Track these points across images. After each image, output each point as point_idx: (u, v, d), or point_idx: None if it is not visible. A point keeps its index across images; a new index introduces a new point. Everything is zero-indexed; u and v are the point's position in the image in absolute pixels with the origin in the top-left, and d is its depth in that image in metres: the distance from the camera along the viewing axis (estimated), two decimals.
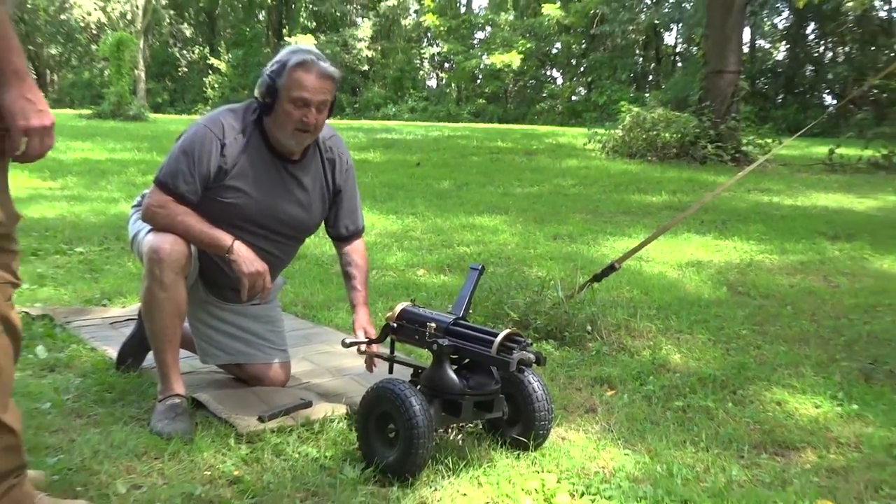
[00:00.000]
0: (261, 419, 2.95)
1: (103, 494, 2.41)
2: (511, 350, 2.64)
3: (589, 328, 4.23)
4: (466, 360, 2.79)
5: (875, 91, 23.19)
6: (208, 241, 2.96)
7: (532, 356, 2.63)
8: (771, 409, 3.39)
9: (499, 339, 2.66)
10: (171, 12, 43.85)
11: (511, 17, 38.70)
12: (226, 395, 3.20)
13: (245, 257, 2.94)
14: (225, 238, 2.94)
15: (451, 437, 2.93)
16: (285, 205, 3.13)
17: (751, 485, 2.70)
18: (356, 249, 3.36)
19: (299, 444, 2.82)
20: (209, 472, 2.60)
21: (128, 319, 4.17)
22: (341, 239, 3.36)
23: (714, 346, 4.24)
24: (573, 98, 37.63)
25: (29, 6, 41.71)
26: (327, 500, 2.46)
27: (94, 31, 42.71)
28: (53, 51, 45.61)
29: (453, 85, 41.17)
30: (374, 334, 3.09)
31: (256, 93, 3.03)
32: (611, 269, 4.56)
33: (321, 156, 3.22)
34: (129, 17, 38.98)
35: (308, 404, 3.10)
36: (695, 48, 33.86)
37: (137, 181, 10.05)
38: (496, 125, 28.73)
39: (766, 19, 34.15)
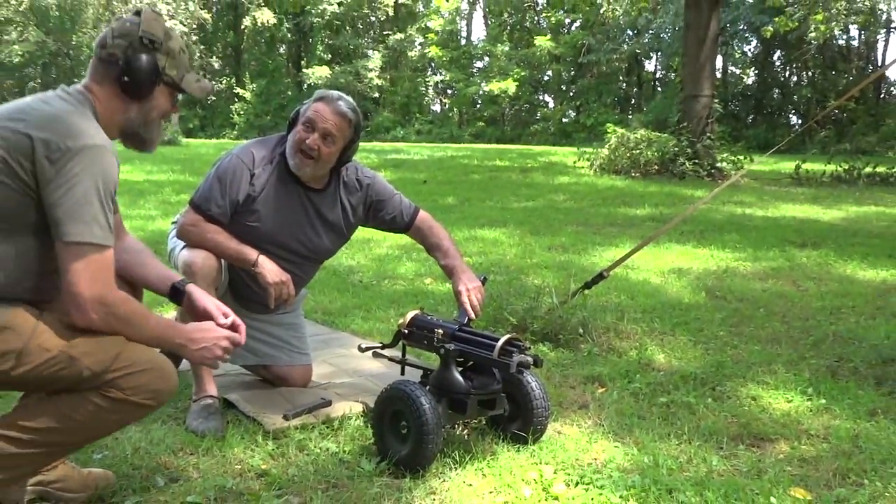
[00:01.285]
0: (285, 417, 2.94)
1: (144, 487, 2.41)
2: (511, 353, 2.64)
3: (581, 331, 4.22)
4: (471, 363, 2.79)
5: (836, 112, 23.20)
6: (235, 256, 2.97)
7: (530, 359, 2.63)
8: (747, 404, 3.37)
9: (500, 343, 2.65)
10: (202, 47, 43.90)
11: (507, 48, 38.70)
12: (254, 396, 3.20)
13: (269, 269, 2.96)
14: (251, 253, 2.96)
15: (458, 433, 2.93)
16: (302, 230, 3.13)
17: (729, 474, 2.69)
18: (429, 228, 3.31)
19: (320, 440, 2.82)
20: (239, 466, 2.60)
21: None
22: (407, 228, 3.33)
23: (694, 347, 4.23)
24: (564, 120, 37.62)
25: (73, 42, 41.82)
26: (346, 490, 2.45)
27: None
28: None
29: (455, 109, 41.18)
30: (476, 302, 3.05)
31: (289, 120, 3.07)
32: (600, 277, 4.54)
33: (341, 186, 3.21)
34: None
35: (328, 403, 3.09)
36: (673, 74, 33.84)
37: (172, 200, 10.05)
38: (494, 145, 28.73)
39: (736, 48, 34.17)
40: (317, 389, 3.33)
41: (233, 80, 42.92)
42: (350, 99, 3.07)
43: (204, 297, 2.35)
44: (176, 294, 2.37)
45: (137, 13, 2.18)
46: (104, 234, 1.93)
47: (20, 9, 39.48)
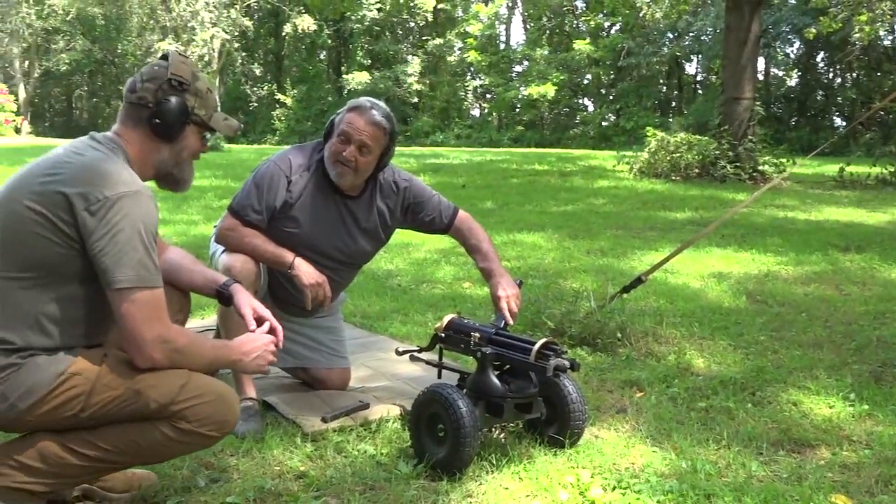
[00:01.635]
0: (324, 420, 2.97)
1: (185, 487, 2.45)
2: (548, 357, 2.64)
3: (619, 335, 4.20)
4: (507, 367, 2.79)
5: (882, 113, 22.79)
6: (272, 259, 3.01)
7: (567, 362, 2.63)
8: (787, 410, 3.33)
9: (536, 347, 2.65)
10: (243, 54, 44.36)
11: (546, 52, 38.51)
12: (293, 398, 3.23)
13: (305, 272, 2.99)
14: (287, 255, 3.00)
15: (495, 436, 2.93)
16: (339, 236, 3.16)
17: (769, 479, 2.66)
18: (469, 229, 3.32)
19: (358, 443, 2.84)
20: (278, 468, 2.63)
21: (206, 329, 4.20)
22: (447, 229, 3.34)
23: (734, 351, 4.19)
24: (603, 124, 37.34)
25: (118, 51, 42.50)
26: (383, 493, 2.47)
27: None
28: None
29: (494, 114, 41.07)
30: (514, 307, 3.06)
31: (325, 131, 3.09)
32: (638, 281, 4.52)
33: (378, 191, 3.23)
34: (206, 58, 39.52)
35: (366, 406, 3.11)
36: (714, 77, 33.46)
37: (214, 205, 10.17)
38: (534, 149, 28.62)
39: (778, 50, 33.69)
40: (355, 392, 3.35)
41: (274, 87, 43.30)
42: (384, 106, 3.08)
43: (242, 303, 2.39)
44: (222, 297, 2.43)
45: (164, 57, 2.24)
46: (151, 276, 1.99)
47: (67, 18, 40.19)
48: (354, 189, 3.15)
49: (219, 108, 2.32)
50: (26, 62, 41.74)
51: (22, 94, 37.93)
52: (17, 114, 27.75)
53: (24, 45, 40.49)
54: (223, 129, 2.30)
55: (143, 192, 2.03)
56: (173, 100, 2.17)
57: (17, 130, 27.29)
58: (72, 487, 2.25)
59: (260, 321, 2.35)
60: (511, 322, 3.06)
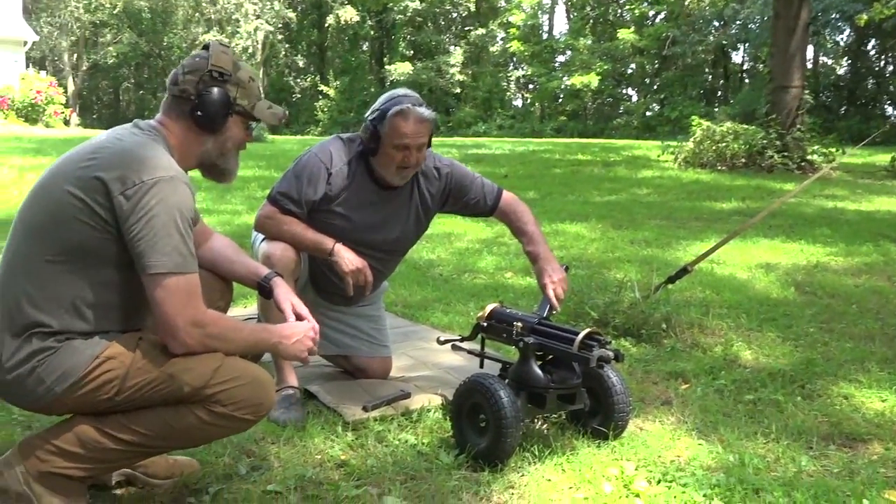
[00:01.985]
0: (365, 408, 2.96)
1: (227, 475, 2.45)
2: (591, 348, 2.59)
3: (664, 326, 4.13)
4: (550, 356, 2.75)
5: None
6: (312, 246, 3.00)
7: (611, 353, 2.58)
8: (838, 403, 3.25)
9: (580, 337, 2.61)
10: (287, 46, 44.67)
11: (589, 42, 38.16)
12: (334, 387, 3.22)
13: (345, 257, 2.97)
14: (327, 242, 2.98)
15: (537, 427, 2.90)
16: (384, 228, 3.15)
17: (819, 474, 2.60)
18: (515, 211, 3.29)
19: (399, 432, 2.82)
20: (319, 456, 2.62)
21: (248, 318, 4.21)
22: (491, 210, 3.31)
23: (783, 343, 4.10)
24: (647, 113, 36.98)
25: (164, 43, 43.01)
26: (424, 483, 2.45)
27: None
28: None
29: (537, 104, 40.87)
30: (560, 292, 3.05)
31: (362, 137, 3.05)
32: (684, 271, 4.44)
33: (420, 180, 3.21)
34: (250, 50, 39.83)
35: (407, 395, 3.10)
36: (761, 65, 32.89)
37: (257, 195, 10.21)
38: (577, 139, 28.37)
39: (828, 37, 33.02)
40: (396, 381, 3.33)
41: (317, 78, 43.52)
42: (416, 95, 3.05)
43: (282, 296, 2.38)
44: (263, 290, 2.42)
45: (206, 47, 2.23)
46: (186, 262, 1.98)
47: (114, 12, 40.79)
48: (401, 184, 3.14)
49: (262, 97, 2.30)
50: (75, 55, 42.42)
51: (70, 87, 38.53)
52: (66, 106, 28.14)
53: (72, 38, 41.14)
54: (268, 118, 2.28)
55: (179, 177, 2.02)
56: (215, 91, 2.16)
57: (66, 122, 27.69)
58: (111, 472, 2.26)
59: (298, 318, 2.33)
60: (557, 308, 3.03)
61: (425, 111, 2.98)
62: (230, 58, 2.21)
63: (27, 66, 27.81)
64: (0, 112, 24.58)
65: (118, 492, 2.34)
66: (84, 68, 43.09)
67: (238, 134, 2.26)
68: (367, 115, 3.05)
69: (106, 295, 2.03)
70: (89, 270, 2.00)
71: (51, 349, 1.97)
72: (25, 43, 27.17)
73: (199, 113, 2.16)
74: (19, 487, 2.04)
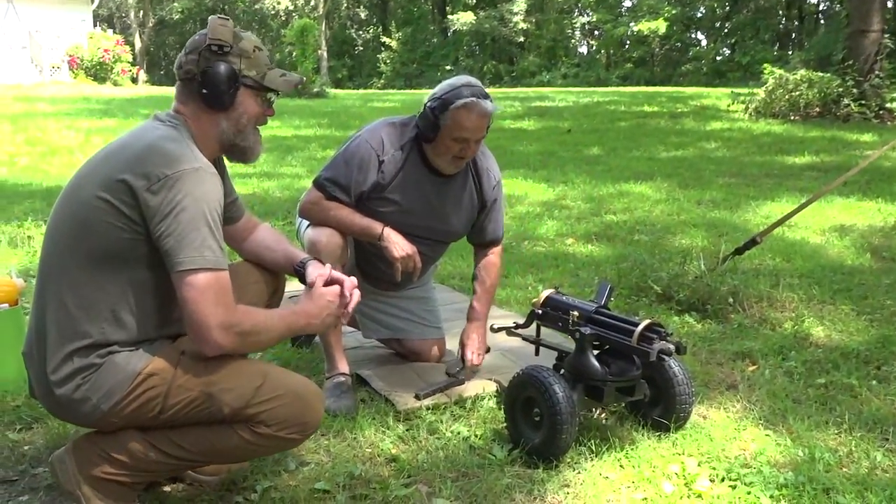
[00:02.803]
0: (417, 397, 2.90)
1: (275, 471, 2.41)
2: (651, 340, 2.47)
3: (731, 300, 3.97)
4: (608, 346, 2.64)
5: None
6: (360, 231, 2.93)
7: (672, 346, 2.45)
8: None
9: (639, 329, 2.49)
10: None
11: None
12: (387, 372, 3.17)
13: (395, 242, 2.89)
14: (376, 226, 2.91)
15: (595, 417, 2.80)
16: (436, 217, 3.05)
17: (895, 471, 2.45)
18: (489, 264, 3.21)
19: (452, 423, 2.75)
20: (370, 450, 2.56)
21: (296, 294, 4.13)
22: (481, 245, 3.24)
23: (857, 318, 3.91)
24: (717, 59, 35.95)
25: None
26: (476, 481, 2.38)
27: (283, 17, 43.80)
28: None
29: (602, 52, 40.10)
30: (476, 358, 3.06)
31: (419, 123, 2.92)
32: (752, 243, 4.26)
33: (473, 172, 3.10)
34: (312, 3, 39.73)
35: (461, 382, 3.02)
36: (838, 6, 31.58)
37: (318, 156, 10.16)
38: (643, 88, 27.73)
39: None
40: (450, 365, 3.25)
41: (379, 29, 43.29)
42: (479, 84, 2.91)
43: (311, 273, 2.31)
44: (300, 276, 2.37)
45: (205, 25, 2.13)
46: (216, 258, 1.91)
47: None
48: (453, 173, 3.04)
49: (273, 65, 2.19)
50: (141, 12, 42.88)
51: (137, 44, 39.03)
52: (133, 64, 28.54)
53: None
54: (281, 87, 2.17)
55: (204, 168, 1.95)
56: (217, 66, 2.06)
57: (134, 80, 28.10)
58: (159, 479, 2.25)
59: (332, 283, 2.25)
60: (470, 364, 3.06)
61: (489, 104, 2.86)
62: (229, 30, 2.10)
63: (94, 25, 28.18)
64: (70, 72, 25.06)
65: (166, 488, 2.32)
66: (150, 25, 43.56)
67: (252, 108, 2.15)
68: (426, 101, 2.92)
69: (142, 298, 1.99)
70: (123, 274, 1.95)
71: (94, 367, 1.94)
72: (93, 1, 27.51)
73: (204, 91, 2.07)
74: (70, 487, 2.06)
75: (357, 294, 2.29)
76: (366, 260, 3.09)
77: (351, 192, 2.90)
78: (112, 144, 2.07)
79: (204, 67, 2.06)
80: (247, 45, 2.12)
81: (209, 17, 2.16)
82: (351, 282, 2.29)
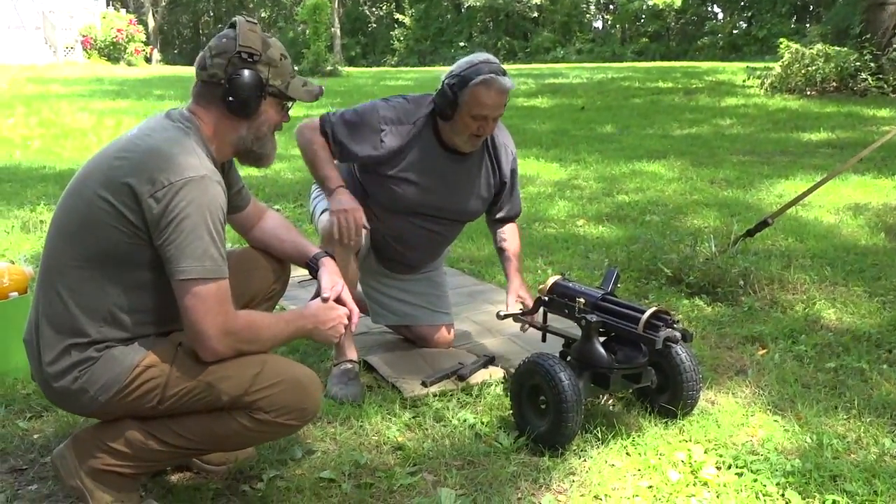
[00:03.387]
0: (424, 384, 2.90)
1: (281, 460, 2.42)
2: (657, 327, 2.46)
3: (741, 282, 3.95)
4: (614, 333, 2.63)
5: None
6: (320, 179, 2.93)
7: (678, 334, 2.45)
8: None
9: (645, 316, 2.48)
10: None
11: None
12: (394, 358, 3.17)
13: (337, 199, 2.84)
14: (333, 182, 2.88)
15: (602, 403, 2.80)
16: (451, 195, 3.04)
17: None
18: (510, 229, 3.24)
19: (458, 410, 2.75)
20: (376, 438, 2.57)
21: (304, 279, 4.14)
22: (499, 221, 3.24)
23: (870, 300, 3.88)
24: (734, 32, 35.55)
25: None
26: (482, 469, 2.38)
27: None
28: (263, 14, 47.00)
29: (617, 26, 39.72)
30: (529, 301, 2.98)
31: (437, 100, 2.90)
32: (764, 224, 4.23)
33: (489, 149, 3.09)
34: None
35: (467, 369, 3.02)
36: None
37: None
38: (658, 63, 27.47)
39: None
40: (458, 351, 3.26)
41: (392, 6, 43.04)
42: (497, 62, 2.90)
43: (326, 278, 2.30)
44: (311, 271, 2.36)
45: (232, 25, 2.10)
46: (216, 267, 1.92)
47: None
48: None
49: (295, 74, 2.18)
50: None
51: (151, 23, 38.99)
52: (147, 43, 28.52)
53: None
54: (303, 97, 2.16)
55: (209, 176, 1.95)
56: (246, 74, 2.05)
57: (148, 60, 28.08)
58: (161, 469, 2.27)
59: (338, 302, 2.26)
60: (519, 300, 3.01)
61: (508, 81, 2.85)
62: (259, 35, 2.09)
63: (108, 5, 28.18)
64: (84, 52, 25.09)
65: (172, 477, 2.34)
66: (164, 3, 43.49)
67: (273, 116, 2.16)
68: (444, 78, 2.91)
69: (141, 297, 1.99)
70: (123, 275, 1.96)
71: (91, 360, 1.95)
72: None
73: (230, 98, 2.05)
74: (73, 481, 2.07)
75: (356, 319, 2.31)
76: (382, 243, 3.09)
77: (343, 149, 2.92)
78: (120, 139, 2.06)
79: (231, 74, 2.04)
80: (274, 54, 2.11)
81: (236, 18, 2.12)
82: (356, 315, 2.30)
